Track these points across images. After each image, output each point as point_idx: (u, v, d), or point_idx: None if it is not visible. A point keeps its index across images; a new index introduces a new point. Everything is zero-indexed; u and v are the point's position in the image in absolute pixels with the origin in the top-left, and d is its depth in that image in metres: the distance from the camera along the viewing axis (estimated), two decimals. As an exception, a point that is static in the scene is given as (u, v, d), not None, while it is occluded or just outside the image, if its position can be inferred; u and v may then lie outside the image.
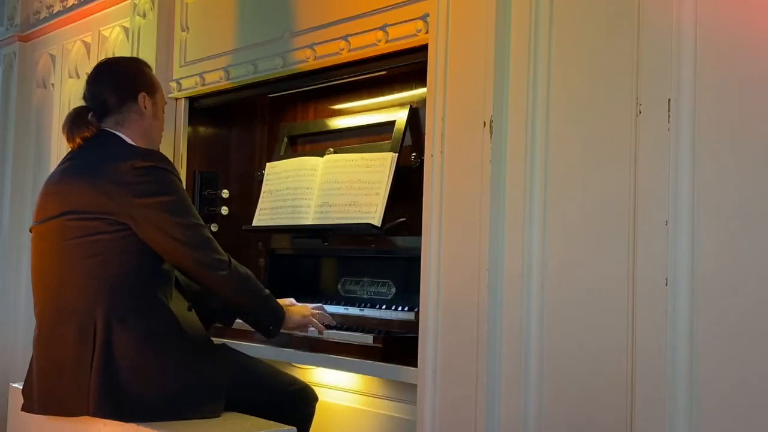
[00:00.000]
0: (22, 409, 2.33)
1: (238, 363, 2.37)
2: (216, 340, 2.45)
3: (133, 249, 2.20)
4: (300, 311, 2.50)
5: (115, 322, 2.15)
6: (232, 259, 2.29)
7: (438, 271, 2.20)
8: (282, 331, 2.44)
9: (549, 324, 1.99)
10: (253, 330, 2.67)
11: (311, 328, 2.51)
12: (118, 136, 2.34)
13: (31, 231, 2.38)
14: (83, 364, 2.14)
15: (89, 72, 2.49)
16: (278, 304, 2.43)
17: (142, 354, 2.15)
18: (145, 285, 2.21)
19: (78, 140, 2.34)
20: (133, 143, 2.35)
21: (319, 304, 2.67)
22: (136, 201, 2.18)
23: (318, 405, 2.49)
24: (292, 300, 2.61)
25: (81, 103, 2.44)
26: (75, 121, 2.36)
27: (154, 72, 2.57)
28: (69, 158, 2.36)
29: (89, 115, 2.36)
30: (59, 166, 2.38)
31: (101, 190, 2.19)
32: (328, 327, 2.56)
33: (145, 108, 2.40)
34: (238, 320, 2.62)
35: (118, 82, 2.41)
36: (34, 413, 2.27)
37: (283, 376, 2.46)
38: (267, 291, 2.39)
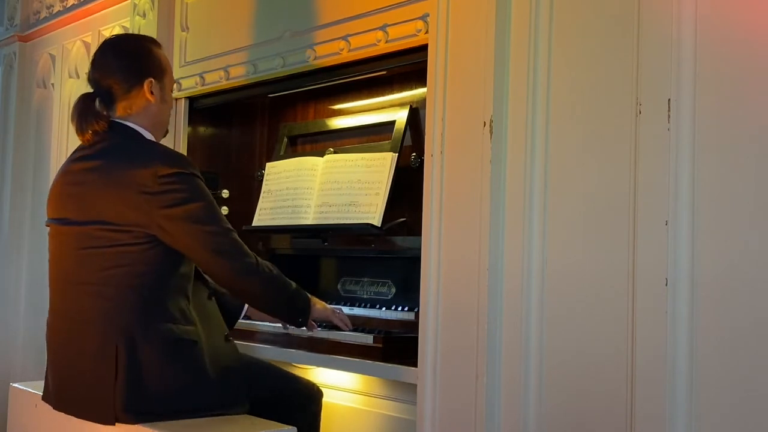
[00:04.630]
0: (42, 398, 2.33)
1: (248, 362, 2.38)
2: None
3: (155, 260, 2.17)
4: (321, 302, 2.51)
5: (138, 332, 2.13)
6: (258, 259, 2.28)
7: (438, 271, 2.20)
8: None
9: (549, 324, 1.99)
10: (255, 330, 2.69)
11: (310, 330, 2.52)
12: (133, 129, 2.28)
13: (47, 226, 2.34)
14: (106, 375, 2.13)
15: (95, 51, 2.38)
16: (304, 294, 2.42)
17: (165, 361, 2.14)
18: (166, 292, 2.19)
19: (89, 135, 2.26)
20: (147, 134, 2.30)
21: (338, 306, 2.68)
22: (163, 212, 2.14)
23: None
24: None
25: None
26: (83, 112, 2.27)
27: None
28: (88, 156, 2.27)
29: (96, 103, 2.29)
30: (77, 160, 2.30)
31: (128, 202, 2.15)
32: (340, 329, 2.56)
33: (152, 93, 2.31)
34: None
35: (124, 67, 2.31)
36: (53, 407, 2.28)
37: (288, 374, 2.46)
38: (293, 284, 2.38)
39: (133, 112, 2.31)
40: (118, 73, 2.30)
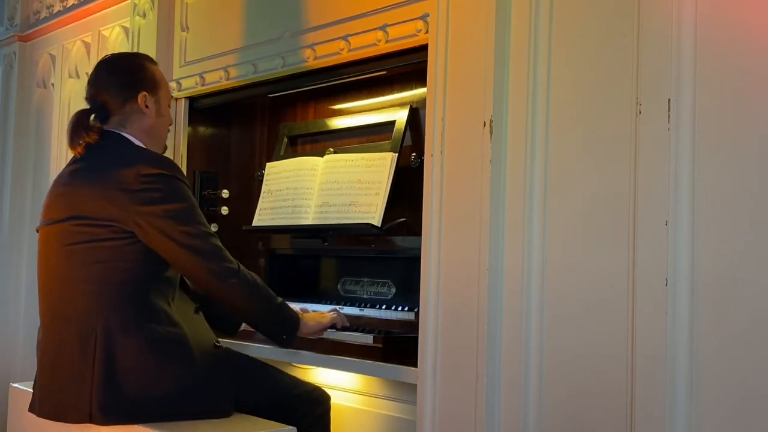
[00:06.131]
0: (28, 409, 2.33)
1: (242, 366, 2.35)
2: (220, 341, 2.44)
3: (136, 257, 2.18)
4: (315, 318, 2.47)
5: (117, 329, 2.13)
6: (241, 266, 2.27)
7: (438, 271, 2.20)
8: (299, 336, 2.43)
9: (549, 324, 1.99)
10: (253, 330, 2.67)
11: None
12: (124, 136, 2.32)
13: (38, 231, 2.37)
14: (84, 373, 2.13)
15: (90, 71, 2.44)
16: (292, 311, 2.40)
17: (144, 360, 2.14)
18: (147, 292, 2.19)
19: (80, 148, 2.30)
20: (139, 143, 2.33)
21: (335, 308, 2.66)
22: (141, 209, 2.15)
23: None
24: (305, 306, 2.61)
25: (81, 103, 2.42)
26: (75, 127, 2.32)
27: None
28: (78, 159, 2.31)
29: (91, 119, 2.33)
30: (68, 166, 2.35)
31: (107, 197, 2.17)
32: (344, 329, 2.54)
33: (147, 107, 2.35)
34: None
35: (118, 82, 2.36)
36: (36, 414, 2.27)
37: (289, 379, 2.44)
38: (280, 299, 2.36)
39: (127, 125, 2.34)
40: (112, 89, 2.35)
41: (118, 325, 2.14)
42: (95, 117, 2.34)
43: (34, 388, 2.32)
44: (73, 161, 2.33)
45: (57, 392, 2.20)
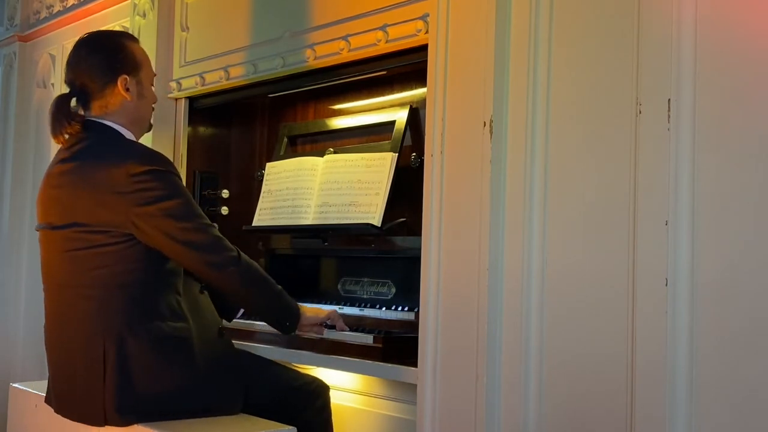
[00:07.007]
0: (45, 401, 2.33)
1: (246, 366, 2.35)
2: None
3: (138, 257, 2.16)
4: (314, 310, 2.47)
5: (124, 331, 2.12)
6: (241, 253, 2.25)
7: (438, 271, 2.20)
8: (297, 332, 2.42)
9: (549, 324, 1.99)
10: (254, 330, 2.67)
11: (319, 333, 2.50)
12: (108, 126, 2.26)
13: (37, 230, 2.35)
14: (95, 375, 2.13)
15: (70, 51, 2.34)
16: (291, 299, 2.39)
17: (152, 359, 2.13)
18: (152, 290, 2.18)
19: (63, 138, 2.24)
20: (126, 131, 2.27)
21: (333, 309, 2.66)
22: (137, 210, 2.12)
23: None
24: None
25: None
26: (57, 115, 2.24)
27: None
28: (66, 158, 2.25)
29: (71, 103, 2.26)
30: (57, 163, 2.28)
31: (102, 203, 2.14)
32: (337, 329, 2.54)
33: (128, 90, 2.28)
34: (238, 319, 2.62)
35: (97, 64, 2.27)
36: (54, 409, 2.28)
37: (288, 372, 2.43)
38: (279, 286, 2.35)
39: (110, 111, 2.28)
40: (91, 71, 2.27)
41: (125, 327, 2.13)
42: (76, 101, 2.28)
43: (49, 382, 2.32)
44: (62, 158, 2.26)
45: (70, 394, 2.20)
